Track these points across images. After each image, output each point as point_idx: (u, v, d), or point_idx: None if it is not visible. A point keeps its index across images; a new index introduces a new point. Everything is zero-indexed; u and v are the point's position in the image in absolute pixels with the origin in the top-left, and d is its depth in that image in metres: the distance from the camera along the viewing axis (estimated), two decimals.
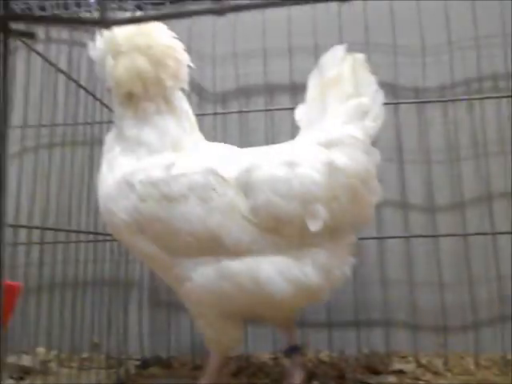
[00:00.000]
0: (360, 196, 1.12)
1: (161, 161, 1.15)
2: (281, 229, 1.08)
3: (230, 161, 1.14)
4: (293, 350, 1.29)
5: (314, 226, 1.07)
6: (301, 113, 1.26)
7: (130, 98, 1.22)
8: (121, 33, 1.17)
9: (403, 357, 1.60)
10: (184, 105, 1.27)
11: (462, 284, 1.67)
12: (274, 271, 1.07)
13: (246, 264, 1.07)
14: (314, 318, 1.69)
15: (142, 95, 1.20)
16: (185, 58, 1.25)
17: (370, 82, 1.21)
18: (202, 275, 1.09)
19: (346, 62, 1.21)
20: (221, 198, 1.08)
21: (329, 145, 1.12)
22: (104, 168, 1.22)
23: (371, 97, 1.19)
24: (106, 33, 1.19)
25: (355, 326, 1.64)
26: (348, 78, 1.19)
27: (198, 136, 1.29)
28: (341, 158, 1.10)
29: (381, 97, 1.20)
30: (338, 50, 1.23)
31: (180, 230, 1.08)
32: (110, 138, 1.26)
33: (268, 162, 1.12)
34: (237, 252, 1.08)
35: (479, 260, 1.67)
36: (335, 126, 1.15)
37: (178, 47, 1.24)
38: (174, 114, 1.23)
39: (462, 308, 1.66)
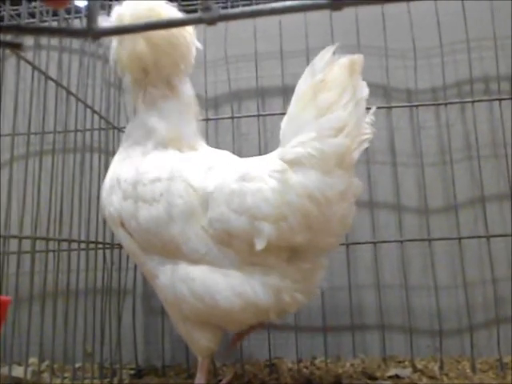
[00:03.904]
0: (313, 220, 1.04)
1: (150, 162, 1.19)
2: (232, 243, 1.08)
3: (206, 170, 1.15)
4: None
5: (259, 244, 1.05)
6: (282, 126, 1.15)
7: (139, 82, 1.24)
8: (128, 14, 1.15)
9: (399, 361, 1.60)
10: (188, 90, 1.27)
11: (457, 287, 1.67)
12: (225, 283, 1.08)
13: (201, 271, 1.10)
14: (308, 324, 1.68)
15: (144, 80, 1.22)
16: (189, 43, 1.22)
17: (355, 91, 1.05)
18: (166, 275, 1.13)
19: (334, 68, 1.05)
20: (185, 206, 1.11)
21: (291, 163, 1.06)
22: (115, 161, 1.27)
23: (350, 110, 1.04)
24: (116, 10, 1.19)
25: (350, 330, 1.63)
26: (331, 86, 1.04)
27: (196, 127, 1.28)
28: (295, 177, 1.04)
29: (361, 110, 1.07)
30: (327, 53, 1.07)
31: (149, 230, 1.14)
32: (128, 128, 1.31)
33: (229, 176, 1.11)
34: (194, 259, 1.10)
35: (474, 263, 1.67)
36: (302, 143, 1.05)
37: (182, 32, 1.19)
38: (177, 100, 1.24)
39: (458, 311, 1.66)
